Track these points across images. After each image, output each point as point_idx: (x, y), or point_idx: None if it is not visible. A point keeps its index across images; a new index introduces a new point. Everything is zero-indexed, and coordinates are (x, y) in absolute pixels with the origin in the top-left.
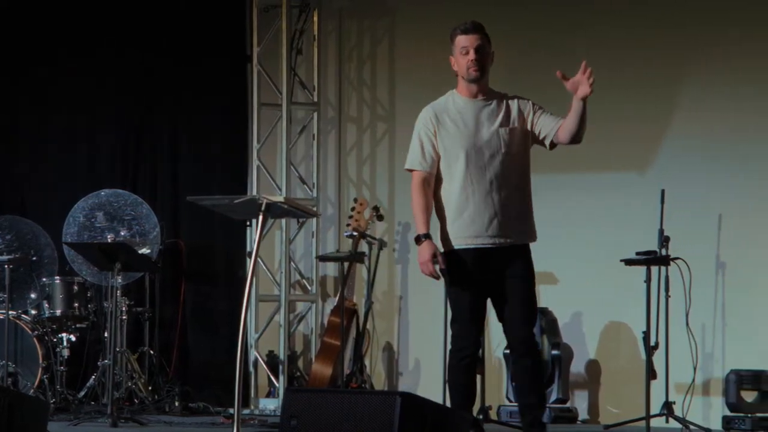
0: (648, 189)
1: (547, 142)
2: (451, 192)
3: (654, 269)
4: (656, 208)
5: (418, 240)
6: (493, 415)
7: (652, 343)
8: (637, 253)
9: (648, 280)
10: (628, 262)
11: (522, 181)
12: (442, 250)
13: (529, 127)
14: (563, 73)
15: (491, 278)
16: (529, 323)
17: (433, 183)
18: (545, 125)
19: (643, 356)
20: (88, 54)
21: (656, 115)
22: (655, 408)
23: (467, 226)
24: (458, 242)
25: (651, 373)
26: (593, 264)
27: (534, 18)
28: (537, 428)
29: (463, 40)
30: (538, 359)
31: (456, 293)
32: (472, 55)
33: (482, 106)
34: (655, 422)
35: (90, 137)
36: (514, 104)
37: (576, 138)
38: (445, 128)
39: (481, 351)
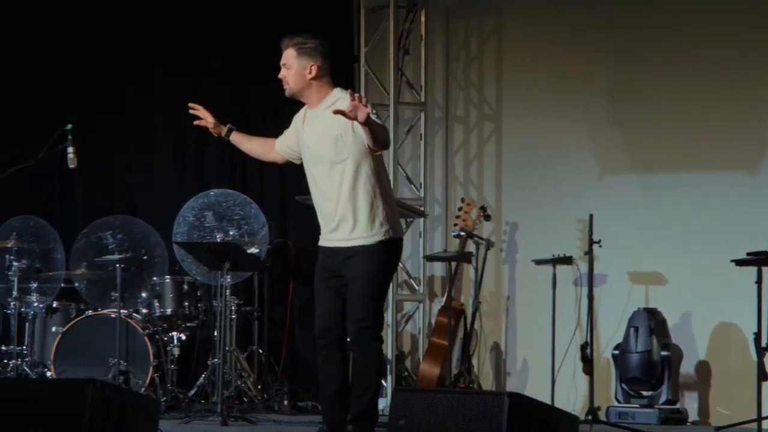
0: (758, 189)
1: None
2: None
3: (765, 270)
4: (766, 209)
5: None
6: (601, 415)
7: (764, 345)
8: (748, 254)
9: (759, 281)
10: (739, 262)
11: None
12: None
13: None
14: (339, 110)
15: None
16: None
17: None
18: None
19: (754, 357)
20: (187, 55)
21: (766, 114)
22: (766, 410)
23: None
24: None
25: (762, 375)
26: (702, 264)
27: (645, 15)
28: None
29: None
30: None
31: None
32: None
33: (313, 117)
34: (767, 424)
35: (197, 137)
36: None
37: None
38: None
39: (589, 350)
